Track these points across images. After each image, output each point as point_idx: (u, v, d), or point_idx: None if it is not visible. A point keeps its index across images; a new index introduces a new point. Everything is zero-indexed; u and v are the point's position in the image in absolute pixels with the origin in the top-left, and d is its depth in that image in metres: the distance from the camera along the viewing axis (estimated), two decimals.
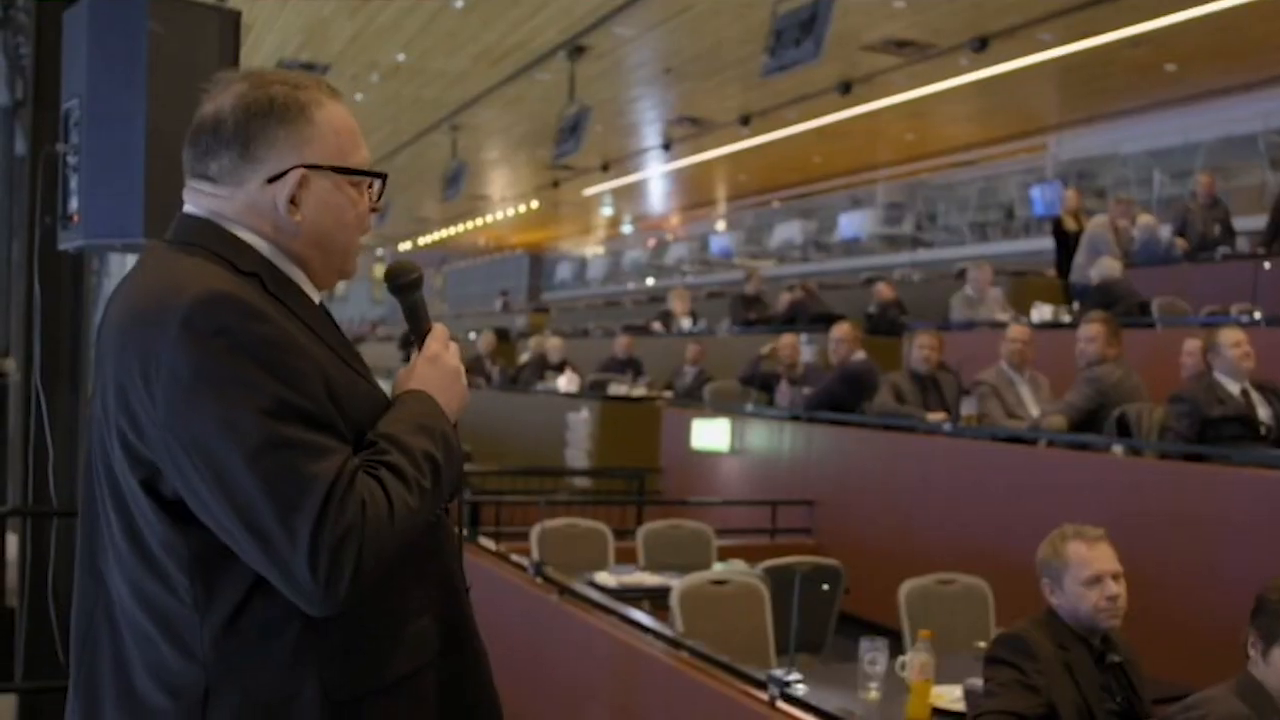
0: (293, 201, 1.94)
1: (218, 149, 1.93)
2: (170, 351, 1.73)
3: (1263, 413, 6.61)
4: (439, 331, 2.10)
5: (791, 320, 14.06)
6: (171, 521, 1.79)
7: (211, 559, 1.78)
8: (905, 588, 5.51)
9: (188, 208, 1.98)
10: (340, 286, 43.04)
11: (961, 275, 14.29)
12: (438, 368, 2.05)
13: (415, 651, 1.93)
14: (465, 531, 7.56)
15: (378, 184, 2.05)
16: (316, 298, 2.00)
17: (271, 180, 1.93)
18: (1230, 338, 6.70)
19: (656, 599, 6.21)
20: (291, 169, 1.93)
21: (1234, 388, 6.64)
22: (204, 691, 1.79)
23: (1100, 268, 11.01)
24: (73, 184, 3.80)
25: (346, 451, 1.79)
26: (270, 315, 1.80)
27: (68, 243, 3.88)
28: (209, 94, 1.97)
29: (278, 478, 1.70)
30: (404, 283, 2.11)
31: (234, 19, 3.96)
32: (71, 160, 3.79)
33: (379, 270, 37.64)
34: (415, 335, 2.10)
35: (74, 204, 3.79)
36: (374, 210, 2.05)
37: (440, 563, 2.02)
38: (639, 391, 13.10)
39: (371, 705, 1.86)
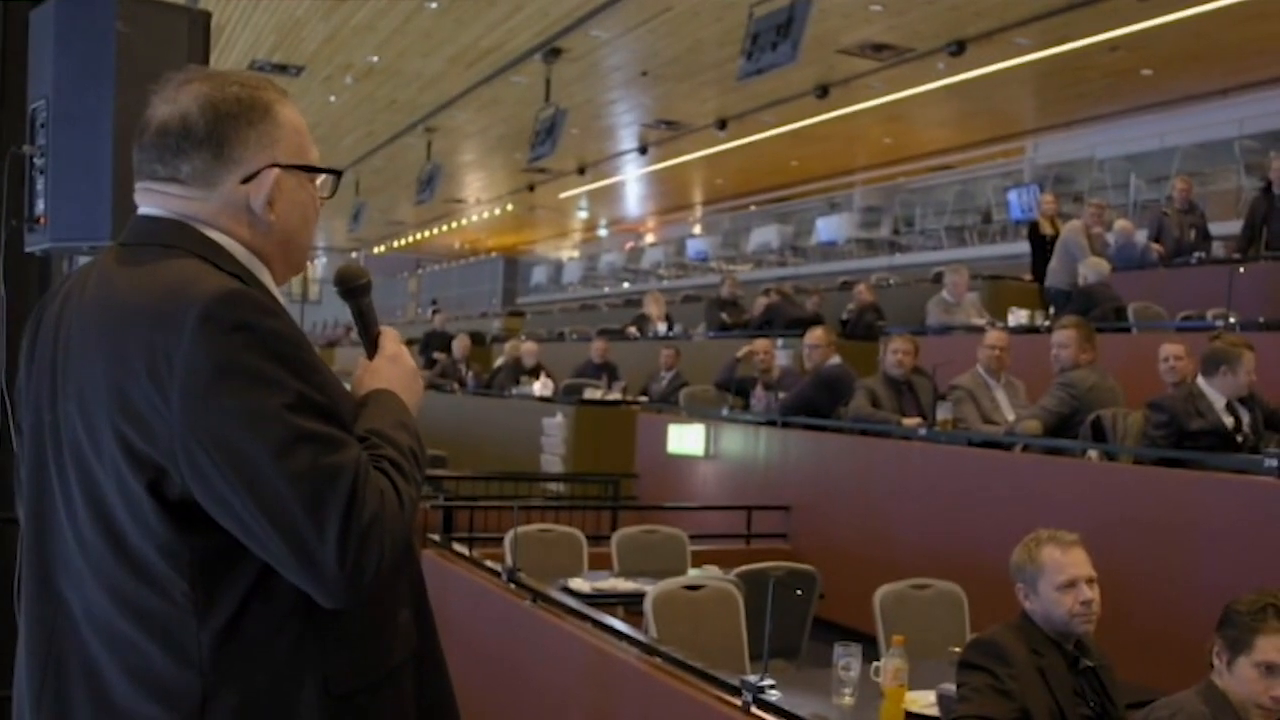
0: (267, 201, 1.94)
1: (189, 151, 1.92)
2: (187, 348, 1.71)
3: (1244, 421, 6.57)
4: (393, 333, 2.13)
5: (767, 324, 14.05)
6: (174, 525, 1.76)
7: (213, 562, 1.76)
8: (880, 593, 5.49)
9: (148, 210, 1.96)
10: (314, 290, 43.01)
11: (938, 279, 14.30)
12: (399, 367, 2.07)
13: (403, 644, 1.95)
14: (438, 537, 7.56)
15: (330, 182, 2.07)
16: (281, 298, 1.99)
17: (245, 181, 1.93)
18: (1250, 361, 6.53)
19: (630, 605, 6.20)
20: (264, 168, 1.93)
21: (1219, 401, 6.57)
22: (201, 697, 1.76)
23: (1089, 267, 11.01)
24: (39, 186, 3.76)
25: (358, 444, 1.81)
26: (280, 312, 1.81)
27: (35, 245, 3.83)
28: (160, 95, 1.95)
29: (305, 472, 1.70)
30: (354, 287, 2.13)
31: (204, 20, 3.92)
32: (38, 162, 3.75)
33: None
34: (366, 338, 2.12)
35: (41, 206, 3.75)
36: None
37: (411, 558, 2.03)
38: (614, 396, 13.07)
39: (368, 698, 1.87)
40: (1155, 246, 12.72)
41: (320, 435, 1.73)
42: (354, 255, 39.67)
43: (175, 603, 1.77)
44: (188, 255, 1.87)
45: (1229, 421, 6.52)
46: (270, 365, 1.73)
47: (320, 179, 2.05)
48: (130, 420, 1.74)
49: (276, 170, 1.93)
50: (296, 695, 1.79)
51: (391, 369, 2.06)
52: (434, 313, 30.13)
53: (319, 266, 42.65)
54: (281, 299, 1.99)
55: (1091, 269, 10.97)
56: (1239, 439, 6.52)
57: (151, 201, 1.96)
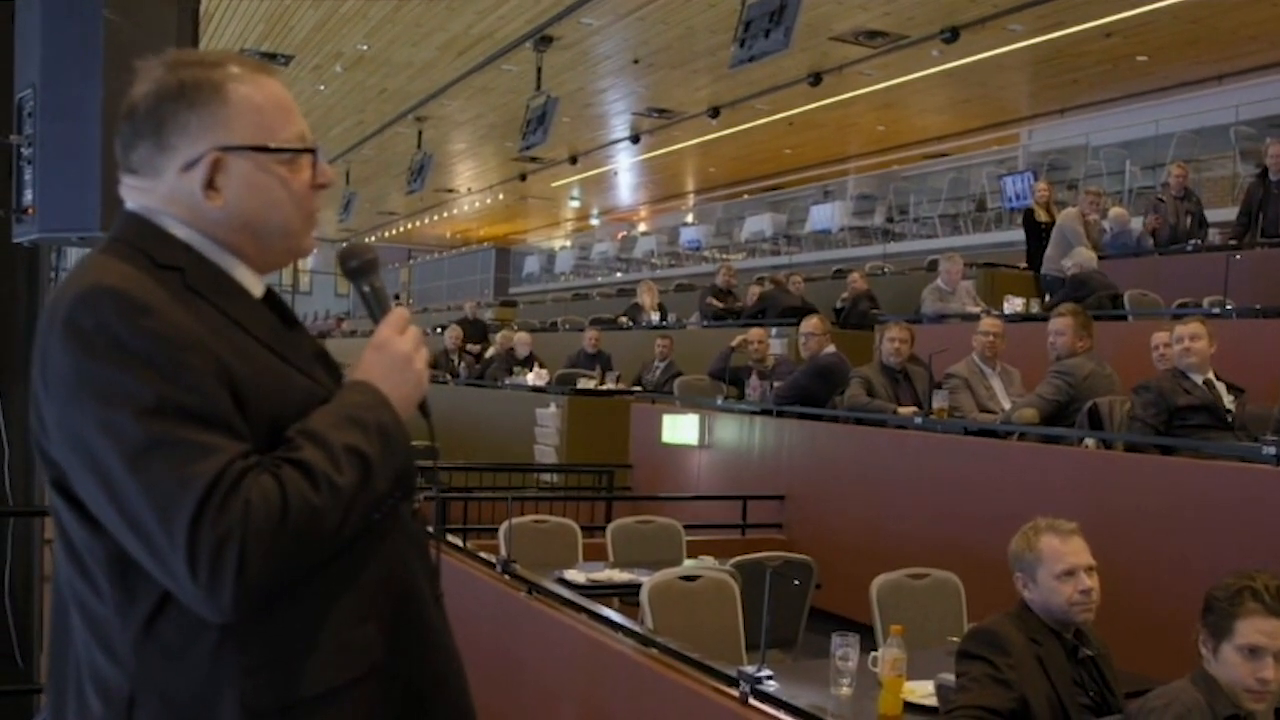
0: (213, 186, 1.86)
1: (134, 140, 1.87)
2: (56, 352, 1.69)
3: (1224, 398, 6.60)
4: (393, 316, 1.98)
5: (761, 313, 14.03)
6: (85, 523, 1.74)
7: (127, 561, 1.72)
8: (877, 582, 5.47)
9: (125, 204, 1.92)
10: (305, 280, 42.88)
11: (933, 267, 14.28)
12: (384, 354, 1.93)
13: (347, 662, 1.82)
14: (432, 529, 7.50)
15: (319, 159, 1.96)
16: (258, 288, 1.93)
17: (187, 168, 1.86)
18: (1184, 330, 6.70)
19: (626, 596, 6.17)
20: (205, 154, 1.85)
21: (1197, 378, 6.62)
22: (129, 697, 1.74)
23: (1075, 258, 11.01)
24: (27, 176, 3.74)
25: (236, 450, 1.70)
26: (157, 309, 1.71)
27: (22, 235, 3.83)
28: (134, 82, 1.90)
29: (157, 479, 1.63)
30: (356, 265, 2.02)
31: (192, 6, 3.90)
32: (25, 151, 3.73)
33: None
34: (376, 323, 1.98)
35: (29, 196, 3.73)
36: (319, 187, 1.95)
37: (387, 567, 1.91)
38: (608, 386, 13.04)
39: (301, 716, 1.78)
40: (1151, 222, 12.71)
41: (178, 441, 1.65)
42: (344, 246, 39.66)
43: (104, 600, 1.75)
44: (126, 249, 1.82)
45: (1213, 396, 6.57)
46: (130, 367, 1.66)
47: (312, 159, 1.94)
48: (38, 419, 1.75)
49: (214, 155, 1.84)
50: (215, 707, 1.73)
51: (375, 357, 1.93)
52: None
53: (310, 257, 42.51)
54: (258, 289, 1.93)
55: (1078, 259, 10.97)
56: (1228, 416, 6.54)
57: (123, 194, 1.92)
